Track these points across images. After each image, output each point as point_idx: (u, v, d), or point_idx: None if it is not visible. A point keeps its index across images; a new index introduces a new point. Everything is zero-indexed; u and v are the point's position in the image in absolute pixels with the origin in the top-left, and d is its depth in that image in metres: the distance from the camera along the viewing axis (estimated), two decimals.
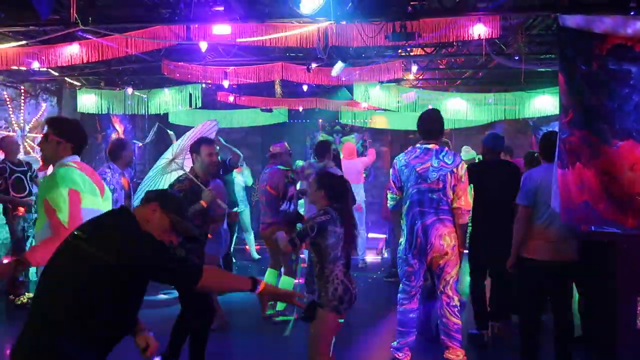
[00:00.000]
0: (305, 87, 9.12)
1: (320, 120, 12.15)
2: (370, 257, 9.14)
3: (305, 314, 3.41)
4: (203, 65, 7.64)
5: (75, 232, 2.34)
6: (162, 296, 6.54)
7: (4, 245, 7.47)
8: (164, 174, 4.67)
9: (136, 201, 5.07)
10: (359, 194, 8.15)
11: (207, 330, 4.14)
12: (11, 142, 6.75)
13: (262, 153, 10.50)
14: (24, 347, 2.20)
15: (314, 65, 7.30)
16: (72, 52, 6.04)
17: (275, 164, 6.01)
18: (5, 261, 2.88)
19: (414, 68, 8.21)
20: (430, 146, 4.38)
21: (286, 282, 5.75)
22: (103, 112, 9.36)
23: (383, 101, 8.94)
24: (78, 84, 9.15)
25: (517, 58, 6.94)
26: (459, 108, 9.16)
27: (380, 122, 11.01)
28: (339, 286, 3.37)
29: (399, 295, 4.50)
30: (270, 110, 10.53)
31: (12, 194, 6.46)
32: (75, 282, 2.19)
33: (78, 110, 9.25)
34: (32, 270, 6.47)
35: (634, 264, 3.67)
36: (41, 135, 3.17)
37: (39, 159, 4.41)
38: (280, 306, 5.77)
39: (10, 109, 8.12)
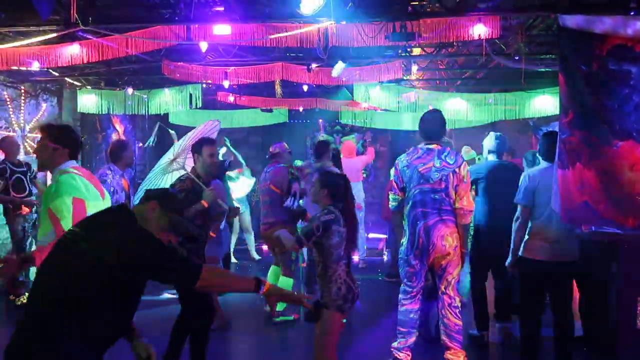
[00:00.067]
0: (305, 87, 9.12)
1: (321, 121, 12.16)
2: (371, 257, 9.14)
3: (310, 315, 3.41)
4: (203, 66, 7.64)
5: (73, 229, 2.32)
6: (167, 295, 6.49)
7: (4, 245, 7.47)
8: (165, 173, 4.67)
9: (136, 201, 5.06)
10: (358, 192, 8.16)
11: (208, 330, 4.14)
12: (11, 142, 6.76)
13: (262, 153, 10.50)
14: (20, 346, 2.17)
15: (314, 65, 7.30)
16: (72, 52, 6.04)
17: (277, 163, 6.01)
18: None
19: (414, 68, 8.21)
20: (432, 146, 4.38)
21: (285, 283, 5.74)
22: (103, 113, 9.36)
23: (383, 101, 8.93)
24: (78, 84, 9.15)
25: (517, 58, 6.93)
26: (459, 108, 9.15)
27: (379, 122, 11.01)
28: (342, 286, 3.38)
29: (400, 295, 4.49)
30: (270, 111, 10.54)
31: (13, 194, 6.46)
32: (72, 280, 2.17)
33: (78, 111, 9.26)
34: (33, 270, 6.47)
35: (634, 264, 3.67)
36: (36, 143, 3.19)
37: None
38: (280, 306, 5.76)
39: (11, 109, 8.13)
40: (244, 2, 5.33)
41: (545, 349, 4.28)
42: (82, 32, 5.49)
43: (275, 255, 5.98)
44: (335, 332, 3.41)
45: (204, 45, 5.98)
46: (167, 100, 9.23)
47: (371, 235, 10.27)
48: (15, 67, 6.39)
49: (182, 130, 6.32)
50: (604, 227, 3.81)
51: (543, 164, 4.27)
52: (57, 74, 8.28)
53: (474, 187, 5.00)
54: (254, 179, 8.87)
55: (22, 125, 8.30)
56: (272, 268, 6.01)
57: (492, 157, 5.18)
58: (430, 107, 8.43)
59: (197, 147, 4.22)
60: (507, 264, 4.36)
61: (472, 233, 5.31)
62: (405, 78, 9.11)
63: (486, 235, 5.00)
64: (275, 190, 5.82)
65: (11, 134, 7.80)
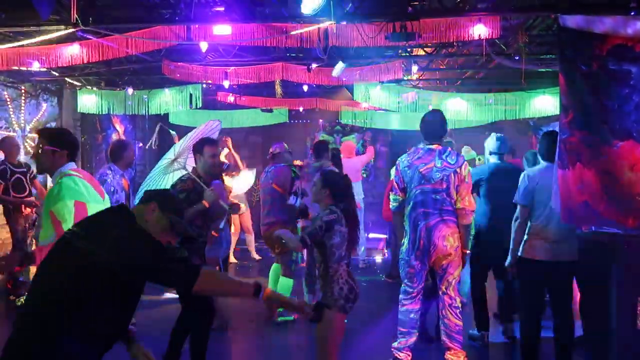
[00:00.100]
0: (305, 88, 9.12)
1: (321, 121, 12.16)
2: (371, 257, 9.15)
3: (312, 316, 3.41)
4: (203, 66, 7.65)
5: (73, 229, 2.31)
6: (167, 295, 6.43)
7: (4, 245, 7.47)
8: (166, 173, 4.67)
9: (136, 201, 5.06)
10: (358, 192, 8.15)
11: (208, 330, 4.14)
12: (12, 143, 6.76)
13: (262, 153, 10.50)
14: (20, 346, 2.16)
15: (314, 65, 7.30)
16: (72, 52, 6.05)
17: (278, 164, 6.01)
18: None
19: (414, 68, 8.21)
20: (433, 147, 4.38)
21: (285, 283, 5.74)
22: (103, 113, 9.36)
23: (383, 101, 8.94)
24: (78, 84, 9.15)
25: (517, 58, 6.93)
26: (459, 108, 9.15)
27: (380, 122, 11.02)
28: (344, 286, 3.37)
29: (400, 296, 4.49)
30: (270, 111, 10.53)
31: (13, 195, 6.47)
32: (72, 280, 2.16)
33: (78, 111, 9.27)
34: (32, 271, 6.47)
35: (634, 264, 3.67)
36: (33, 148, 3.20)
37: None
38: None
39: (11, 109, 8.13)
40: (244, 2, 5.32)
41: (546, 349, 4.28)
42: (82, 32, 5.49)
43: (276, 255, 5.98)
44: (338, 332, 3.40)
45: (204, 46, 5.98)
46: (167, 101, 9.23)
47: (371, 235, 10.27)
48: (15, 67, 6.40)
49: (183, 131, 6.32)
50: (604, 227, 3.81)
51: (542, 163, 4.27)
52: (57, 74, 8.28)
53: (475, 189, 4.98)
54: (254, 170, 8.81)
55: (22, 125, 8.31)
56: (274, 266, 6.02)
57: (493, 159, 5.18)
58: (431, 107, 8.45)
59: (198, 148, 4.21)
60: (506, 264, 4.35)
61: (473, 233, 5.31)
62: (405, 78, 9.11)
63: (486, 236, 4.99)
64: (277, 189, 5.81)
65: (11, 134, 7.81)
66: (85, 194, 3.02)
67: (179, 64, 7.41)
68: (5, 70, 6.78)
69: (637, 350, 3.67)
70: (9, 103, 8.07)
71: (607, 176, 3.66)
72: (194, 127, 5.45)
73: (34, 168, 6.77)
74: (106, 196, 3.31)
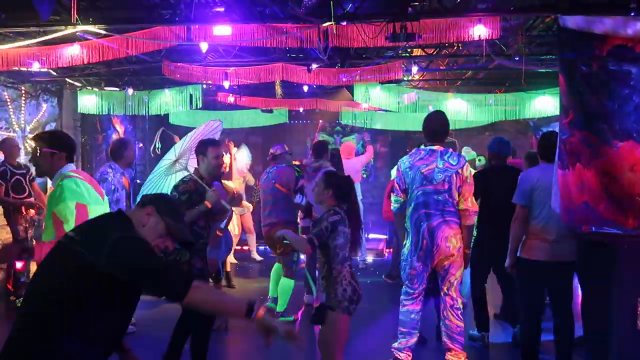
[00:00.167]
0: (305, 88, 9.13)
1: (321, 121, 12.16)
2: (371, 258, 9.14)
3: (316, 317, 3.40)
4: (203, 66, 7.65)
5: (70, 235, 2.30)
6: None
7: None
8: (168, 174, 4.64)
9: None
10: (357, 192, 8.15)
11: (209, 330, 4.14)
12: (12, 145, 6.75)
13: (262, 154, 10.50)
14: (20, 346, 2.15)
15: (314, 66, 7.30)
16: (72, 53, 6.04)
17: (280, 164, 6.01)
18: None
19: (415, 69, 8.21)
20: (435, 148, 4.37)
21: (286, 284, 5.74)
22: (103, 113, 9.38)
23: (383, 102, 8.94)
24: (79, 84, 9.16)
25: (517, 59, 6.94)
26: (460, 109, 9.16)
27: (380, 122, 11.02)
28: (347, 287, 3.37)
29: (401, 296, 4.48)
30: (270, 111, 10.53)
31: (13, 196, 6.47)
32: (72, 281, 2.16)
33: (79, 111, 9.27)
34: (33, 271, 6.47)
35: (634, 265, 3.67)
36: (31, 151, 3.23)
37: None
38: (280, 307, 5.76)
39: (11, 110, 8.13)
40: (244, 2, 5.33)
41: (546, 349, 4.28)
42: (83, 32, 5.50)
43: (278, 255, 5.98)
44: (342, 334, 3.40)
45: (204, 46, 5.98)
46: (167, 101, 9.24)
47: (371, 235, 10.27)
48: (15, 68, 6.39)
49: (183, 131, 6.30)
50: (604, 228, 3.81)
51: (542, 164, 4.27)
52: (57, 75, 8.29)
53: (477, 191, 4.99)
54: (250, 156, 8.76)
55: (22, 125, 8.31)
56: (275, 267, 6.02)
57: (495, 161, 5.19)
58: (431, 108, 8.45)
59: (202, 149, 4.18)
60: (505, 265, 4.35)
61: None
62: (405, 78, 9.12)
63: (487, 237, 4.99)
64: (281, 189, 5.80)
65: (12, 134, 7.81)
66: (86, 196, 3.05)
67: (179, 64, 7.41)
68: (6, 70, 6.78)
69: (637, 350, 3.67)
70: (9, 103, 8.07)
71: (607, 176, 3.67)
72: (194, 128, 5.44)
73: (33, 170, 6.77)
74: (105, 197, 3.34)
